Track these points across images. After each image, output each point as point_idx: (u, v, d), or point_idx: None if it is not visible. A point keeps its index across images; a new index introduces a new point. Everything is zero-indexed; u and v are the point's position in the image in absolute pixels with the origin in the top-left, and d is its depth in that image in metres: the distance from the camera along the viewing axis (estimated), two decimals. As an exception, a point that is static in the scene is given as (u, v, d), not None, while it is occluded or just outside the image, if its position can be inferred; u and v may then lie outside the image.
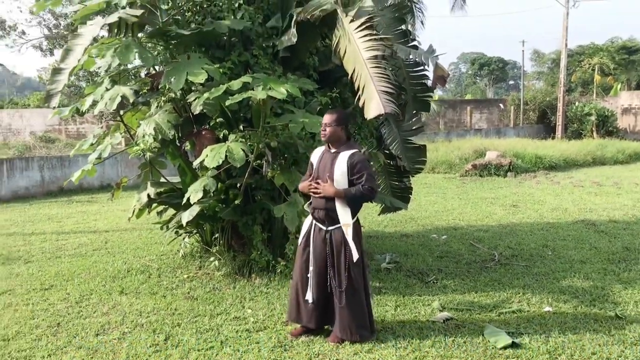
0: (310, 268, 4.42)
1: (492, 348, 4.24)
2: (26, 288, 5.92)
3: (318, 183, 4.37)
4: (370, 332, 4.44)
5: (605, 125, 26.92)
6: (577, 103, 28.58)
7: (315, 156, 4.58)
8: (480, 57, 71.95)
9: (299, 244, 4.60)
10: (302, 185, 4.55)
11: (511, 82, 77.02)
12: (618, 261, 6.60)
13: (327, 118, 4.40)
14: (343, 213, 4.33)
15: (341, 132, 4.41)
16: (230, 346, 4.35)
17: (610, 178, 14.50)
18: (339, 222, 4.34)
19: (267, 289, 5.67)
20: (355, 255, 4.30)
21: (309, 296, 4.42)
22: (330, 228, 4.38)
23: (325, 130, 4.39)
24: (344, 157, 4.34)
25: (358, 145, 4.72)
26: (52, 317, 5.05)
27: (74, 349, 4.35)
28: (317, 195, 4.38)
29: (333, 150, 4.43)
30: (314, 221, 4.49)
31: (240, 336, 4.53)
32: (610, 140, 22.89)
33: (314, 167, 4.53)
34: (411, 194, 7.25)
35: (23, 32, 23.90)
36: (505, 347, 4.22)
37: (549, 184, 13.76)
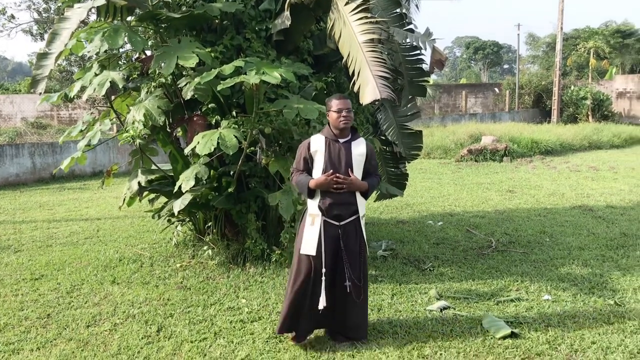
0: (323, 270, 3.96)
1: (491, 338, 4.17)
2: (15, 278, 5.81)
3: (338, 177, 3.95)
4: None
5: (601, 109, 26.89)
6: (572, 87, 28.49)
7: (318, 148, 4.06)
8: (475, 41, 71.79)
9: (311, 254, 3.99)
10: (319, 182, 3.96)
11: (506, 66, 76.91)
12: (616, 247, 6.54)
13: (347, 103, 4.01)
14: (361, 205, 4.10)
15: None
16: (224, 337, 4.26)
17: (606, 163, 14.47)
18: (351, 216, 4.05)
19: (262, 278, 5.57)
20: (367, 248, 4.19)
21: (323, 302, 3.95)
22: (342, 222, 4.02)
23: (347, 116, 3.99)
24: (359, 145, 4.09)
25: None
26: (42, 308, 4.94)
27: (64, 341, 4.25)
28: (341, 191, 3.97)
29: (343, 139, 4.06)
30: (324, 219, 4.00)
31: (234, 327, 4.44)
32: (605, 124, 22.91)
33: (324, 160, 4.02)
34: (407, 181, 7.16)
35: (12, 16, 23.50)
36: (504, 337, 4.15)
37: (545, 168, 13.70)
